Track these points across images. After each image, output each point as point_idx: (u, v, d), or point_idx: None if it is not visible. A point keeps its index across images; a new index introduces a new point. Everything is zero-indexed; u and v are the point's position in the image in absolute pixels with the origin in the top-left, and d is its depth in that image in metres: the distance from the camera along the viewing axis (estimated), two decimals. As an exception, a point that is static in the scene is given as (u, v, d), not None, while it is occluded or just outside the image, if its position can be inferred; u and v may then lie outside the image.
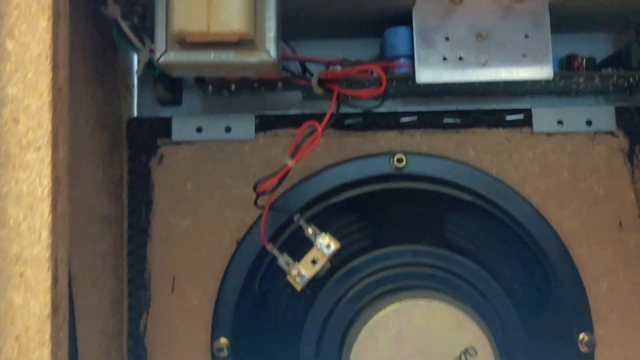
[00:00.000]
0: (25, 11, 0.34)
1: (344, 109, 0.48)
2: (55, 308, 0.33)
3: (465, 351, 0.41)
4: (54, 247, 0.33)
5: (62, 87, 0.35)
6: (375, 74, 0.48)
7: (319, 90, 0.47)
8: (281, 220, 0.50)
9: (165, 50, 0.40)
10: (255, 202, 0.46)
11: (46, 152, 0.33)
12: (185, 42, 0.40)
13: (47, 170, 0.33)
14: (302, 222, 0.47)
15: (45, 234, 0.33)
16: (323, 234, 0.46)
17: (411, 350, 0.41)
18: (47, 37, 0.33)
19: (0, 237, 0.33)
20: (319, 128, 0.43)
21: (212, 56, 0.40)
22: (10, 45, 0.33)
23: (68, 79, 0.35)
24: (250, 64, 0.40)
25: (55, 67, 0.34)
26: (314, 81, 0.46)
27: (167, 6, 0.40)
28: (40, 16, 0.34)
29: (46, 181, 0.33)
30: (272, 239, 0.49)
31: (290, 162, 0.44)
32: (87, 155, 0.47)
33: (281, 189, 0.47)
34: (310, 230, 0.47)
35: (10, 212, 0.33)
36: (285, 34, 0.46)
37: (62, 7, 0.35)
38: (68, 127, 0.35)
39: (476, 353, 0.41)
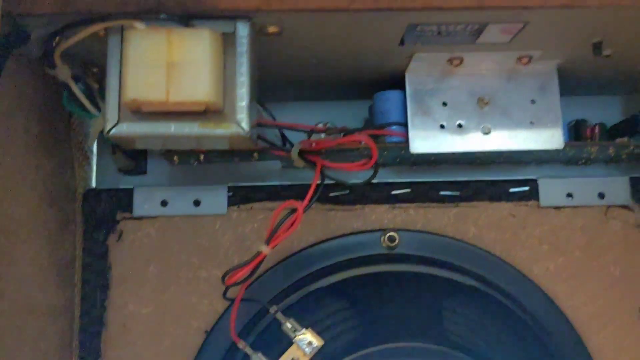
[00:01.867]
0: None
1: (329, 180, 0.42)
2: None
3: None
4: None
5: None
6: (363, 144, 0.42)
7: (300, 163, 0.41)
8: (255, 310, 0.45)
9: (118, 121, 0.34)
10: (224, 295, 0.40)
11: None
12: (141, 112, 0.34)
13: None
14: (280, 315, 0.41)
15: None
16: (304, 329, 0.41)
17: None
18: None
19: None
20: (300, 209, 0.38)
21: (172, 128, 0.34)
22: None
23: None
24: (218, 136, 0.35)
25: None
26: (294, 153, 0.41)
27: (120, 71, 0.34)
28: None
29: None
30: (245, 333, 0.44)
31: (265, 249, 0.38)
32: (29, 236, 0.41)
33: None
34: (289, 325, 0.41)
35: None
36: (263, 97, 0.41)
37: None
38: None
39: None
